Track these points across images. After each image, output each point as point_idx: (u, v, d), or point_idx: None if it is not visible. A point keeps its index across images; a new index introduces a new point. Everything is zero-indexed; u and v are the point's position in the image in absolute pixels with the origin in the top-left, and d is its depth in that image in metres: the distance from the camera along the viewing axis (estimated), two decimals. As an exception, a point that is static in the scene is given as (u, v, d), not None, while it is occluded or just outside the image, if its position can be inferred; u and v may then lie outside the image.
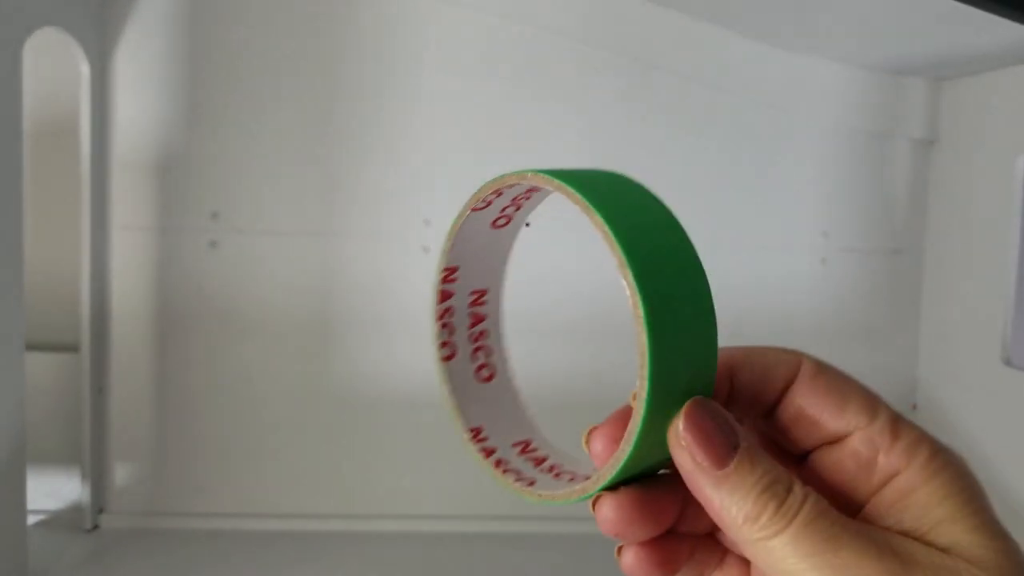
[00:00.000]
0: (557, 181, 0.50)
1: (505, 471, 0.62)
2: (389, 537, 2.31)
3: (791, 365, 0.59)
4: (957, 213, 2.32)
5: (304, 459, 2.37)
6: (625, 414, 0.53)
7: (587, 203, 0.51)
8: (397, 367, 2.36)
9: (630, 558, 0.55)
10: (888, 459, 0.52)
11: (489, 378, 0.67)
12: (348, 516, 2.36)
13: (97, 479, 2.30)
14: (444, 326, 0.61)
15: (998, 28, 1.54)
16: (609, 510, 0.52)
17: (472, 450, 0.65)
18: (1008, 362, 2.12)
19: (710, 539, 0.58)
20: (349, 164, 2.30)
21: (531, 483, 0.60)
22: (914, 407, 2.46)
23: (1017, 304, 2.16)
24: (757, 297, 2.40)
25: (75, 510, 2.31)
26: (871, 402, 0.56)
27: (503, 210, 0.60)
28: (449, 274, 0.59)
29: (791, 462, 0.56)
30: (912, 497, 0.50)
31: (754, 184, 2.39)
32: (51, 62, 2.28)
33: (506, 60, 2.30)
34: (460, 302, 0.61)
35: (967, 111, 2.28)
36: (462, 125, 2.31)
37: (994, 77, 2.15)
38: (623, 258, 0.49)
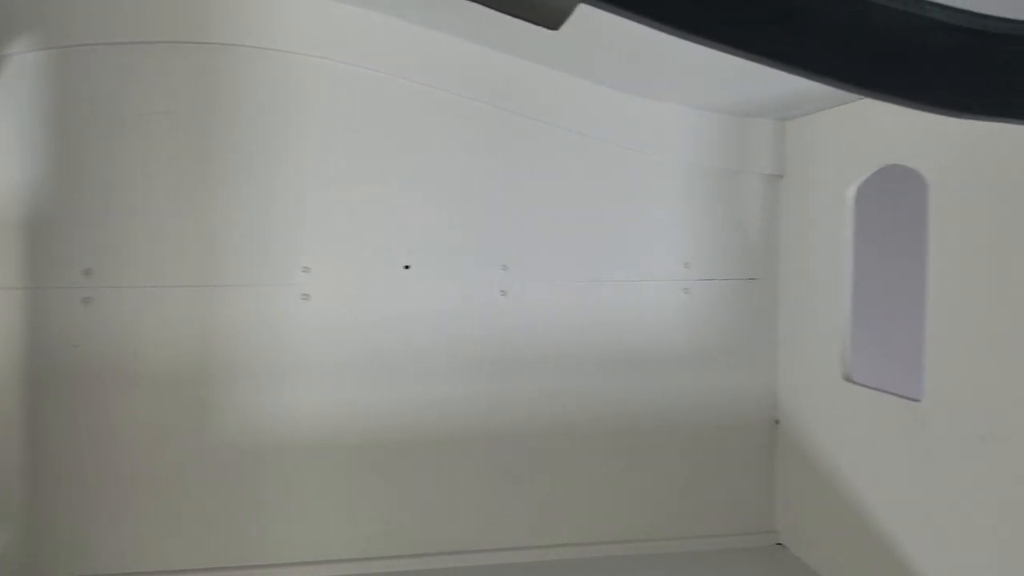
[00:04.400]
0: None
1: None
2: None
3: None
4: (803, 242, 2.50)
5: (192, 510, 2.36)
6: None
7: None
8: (282, 414, 2.39)
9: None
10: None
11: None
12: (244, 567, 2.37)
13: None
14: None
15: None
16: None
17: None
18: (848, 378, 2.29)
19: None
20: (224, 216, 2.32)
21: None
22: (777, 422, 2.64)
23: (853, 325, 2.34)
24: (626, 325, 2.53)
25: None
26: None
27: None
28: None
29: None
30: None
31: (619, 221, 2.53)
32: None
33: (375, 111, 2.37)
34: None
35: (807, 147, 2.47)
36: (334, 174, 2.37)
37: (827, 116, 2.34)
38: None
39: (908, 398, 1.96)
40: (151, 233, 2.30)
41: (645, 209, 2.53)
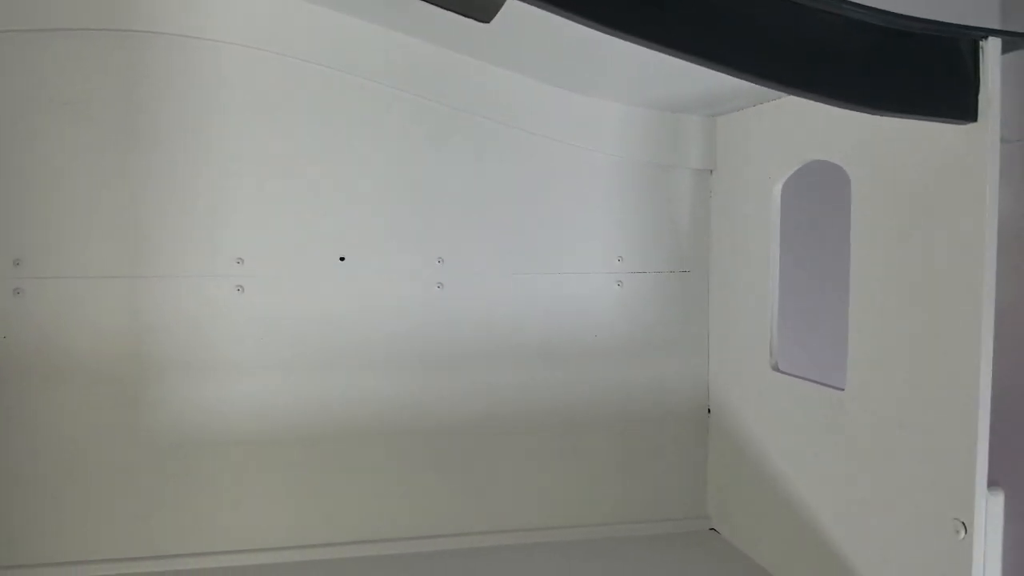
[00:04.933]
0: None
1: None
2: (221, 573, 2.32)
3: None
4: (733, 235, 2.57)
5: (126, 502, 2.35)
6: None
7: None
8: (221, 405, 2.39)
9: None
10: None
11: None
12: (177, 555, 2.35)
13: None
14: None
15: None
16: None
17: None
18: (776, 368, 2.37)
19: None
20: (155, 206, 2.30)
21: None
22: (709, 411, 2.70)
23: (781, 315, 2.42)
24: (561, 318, 2.57)
25: None
26: None
27: None
28: None
29: None
30: None
31: (554, 215, 2.57)
32: None
33: (309, 102, 2.37)
34: None
35: (736, 143, 2.54)
36: (268, 164, 2.36)
37: (754, 112, 2.41)
38: None
39: (832, 387, 2.04)
40: (80, 223, 2.27)
41: (579, 203, 2.57)
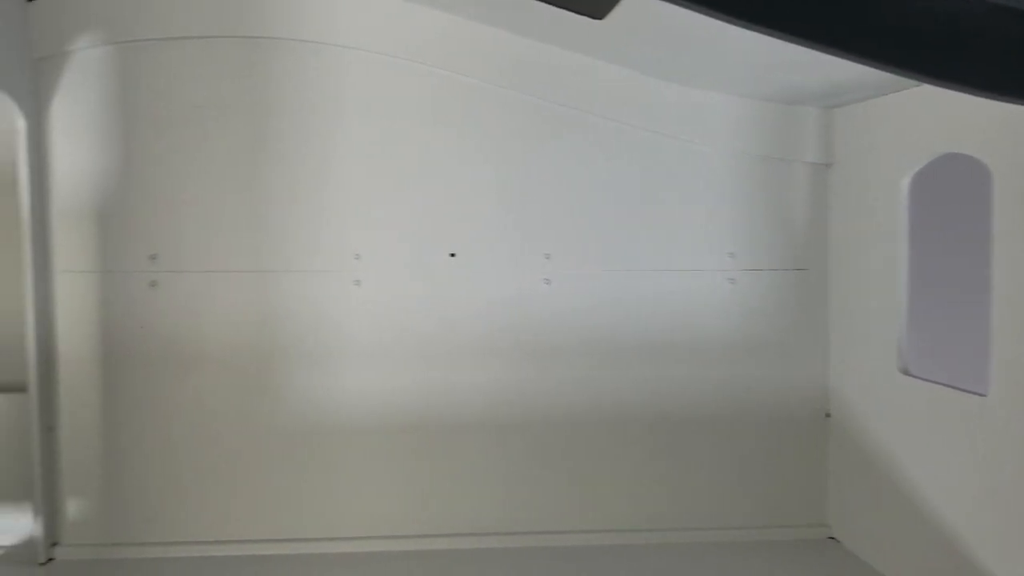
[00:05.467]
0: None
1: None
2: (339, 559, 2.42)
3: None
4: (855, 231, 2.45)
5: (252, 485, 2.48)
6: None
7: None
8: (339, 394, 2.48)
9: None
10: None
11: None
12: (298, 539, 2.48)
13: (49, 514, 2.39)
14: None
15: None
16: None
17: None
18: (905, 371, 2.24)
19: None
20: (280, 204, 2.42)
21: None
22: (828, 415, 2.59)
23: (910, 316, 2.28)
24: (671, 317, 2.53)
25: (29, 545, 2.41)
26: None
27: None
28: None
29: None
30: None
31: (663, 211, 2.53)
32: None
33: (422, 102, 2.44)
34: None
35: (858, 135, 2.42)
36: (385, 165, 2.45)
37: (879, 104, 2.29)
38: None
39: (973, 392, 1.91)
40: (211, 220, 2.42)
41: (689, 198, 2.52)
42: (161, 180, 2.38)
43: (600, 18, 2.06)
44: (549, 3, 2.14)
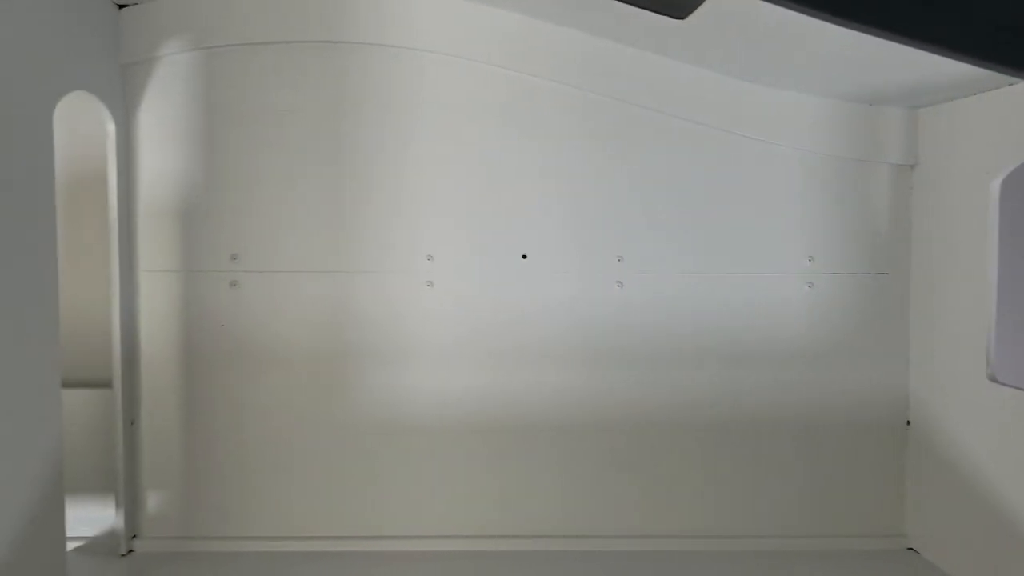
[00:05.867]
0: None
1: None
2: (409, 557, 2.44)
3: None
4: (939, 235, 2.39)
5: (325, 482, 2.52)
6: None
7: None
8: (409, 394, 2.51)
9: None
10: None
11: None
12: (370, 537, 2.51)
13: (130, 506, 2.46)
14: None
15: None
16: None
17: None
18: (993, 378, 2.17)
19: None
20: (356, 206, 2.46)
21: None
22: (908, 423, 2.53)
23: (999, 322, 2.21)
24: (746, 320, 2.49)
25: (110, 536, 2.49)
26: None
27: None
28: None
29: None
30: None
31: (739, 214, 2.49)
32: (80, 122, 2.48)
33: (496, 104, 2.45)
34: None
35: (944, 136, 2.36)
36: (458, 167, 2.46)
37: (967, 103, 2.23)
38: None
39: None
40: (290, 222, 2.46)
41: (766, 200, 2.48)
42: (242, 182, 2.44)
43: (682, 18, 2.05)
44: (630, 3, 2.13)
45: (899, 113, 2.43)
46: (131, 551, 2.46)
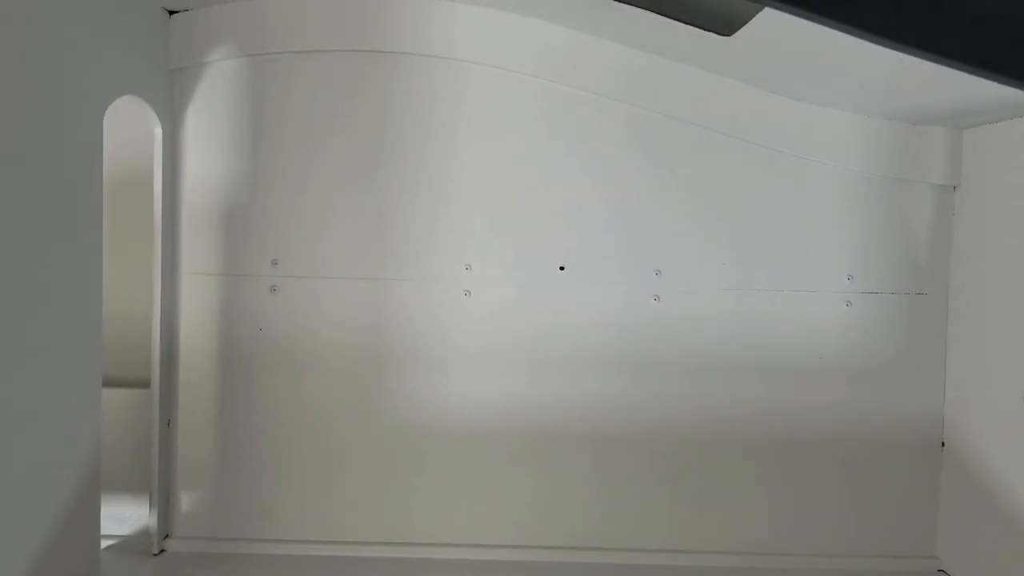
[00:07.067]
0: None
1: None
2: (444, 564, 2.44)
3: None
4: (980, 256, 2.38)
5: (360, 487, 2.54)
6: None
7: None
8: (445, 401, 2.52)
9: None
10: None
11: None
12: (403, 543, 2.52)
13: (164, 506, 2.48)
14: None
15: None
16: None
17: None
18: (1031, 402, 2.16)
19: None
20: (396, 214, 2.47)
21: None
22: (943, 445, 2.51)
23: None
24: (783, 337, 2.49)
25: (143, 535, 2.51)
26: None
27: None
28: None
29: None
30: None
31: (778, 230, 2.49)
32: (129, 125, 2.51)
33: (538, 115, 2.46)
34: None
35: (988, 158, 2.35)
36: (497, 178, 2.48)
37: (1013, 125, 2.22)
38: None
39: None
40: (331, 228, 2.48)
41: (806, 217, 2.47)
42: (285, 188, 2.46)
43: (729, 35, 2.06)
44: (678, 20, 2.14)
45: (943, 133, 2.42)
46: (163, 551, 2.48)
